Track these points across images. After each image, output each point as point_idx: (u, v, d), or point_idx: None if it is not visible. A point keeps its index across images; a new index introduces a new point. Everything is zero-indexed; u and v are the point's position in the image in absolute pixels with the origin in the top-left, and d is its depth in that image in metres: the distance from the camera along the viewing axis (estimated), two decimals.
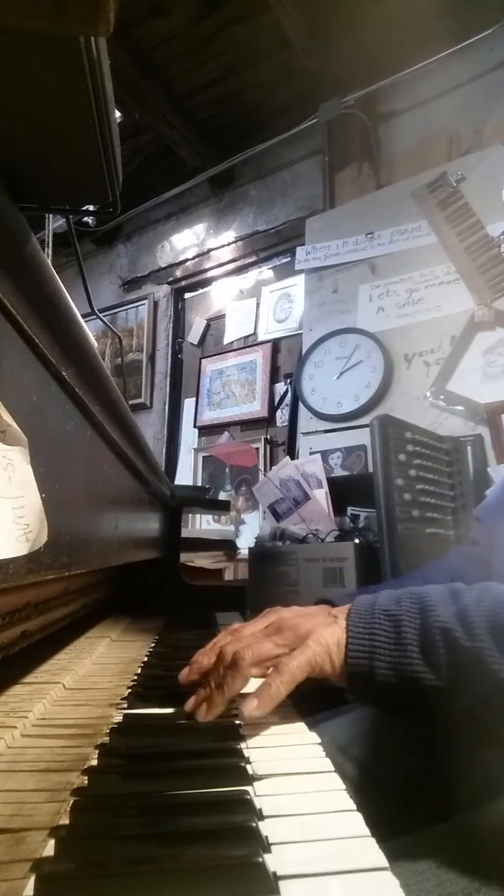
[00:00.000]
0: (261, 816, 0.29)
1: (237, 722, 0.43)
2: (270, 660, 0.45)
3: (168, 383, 3.10)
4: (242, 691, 0.44)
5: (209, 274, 3.04)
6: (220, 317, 2.96)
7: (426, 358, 1.95)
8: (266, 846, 0.26)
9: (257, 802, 0.31)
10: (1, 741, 0.39)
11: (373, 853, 0.26)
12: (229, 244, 2.93)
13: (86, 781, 0.33)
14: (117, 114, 1.30)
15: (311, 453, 2.08)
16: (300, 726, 0.43)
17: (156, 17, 2.17)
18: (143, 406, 3.09)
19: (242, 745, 0.39)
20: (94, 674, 0.61)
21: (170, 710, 0.47)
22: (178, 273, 3.15)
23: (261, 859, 0.25)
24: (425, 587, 0.47)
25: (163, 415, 3.08)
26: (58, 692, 0.52)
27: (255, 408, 2.68)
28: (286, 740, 0.40)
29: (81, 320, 0.43)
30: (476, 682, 0.40)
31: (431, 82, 2.22)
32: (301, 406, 2.22)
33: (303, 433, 2.20)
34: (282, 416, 2.56)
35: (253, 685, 0.44)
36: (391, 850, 0.26)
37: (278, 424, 2.58)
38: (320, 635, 0.44)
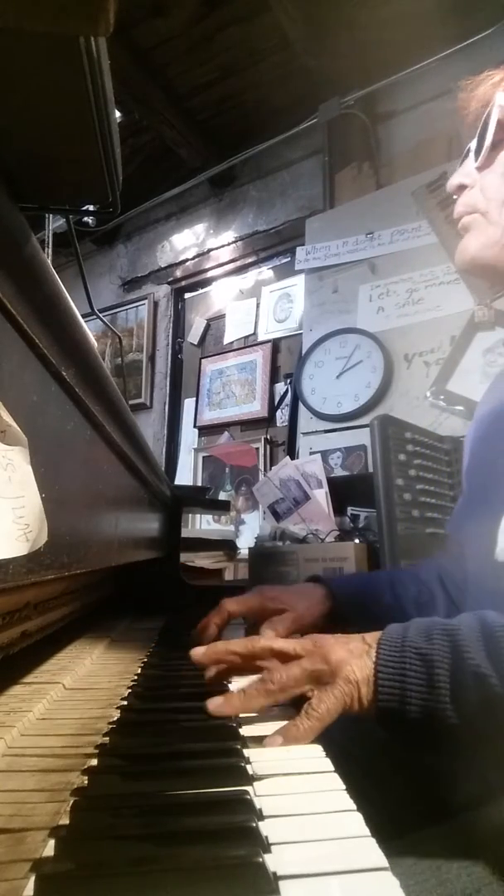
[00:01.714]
0: (261, 816, 0.29)
1: (237, 723, 0.43)
2: (296, 686, 0.44)
3: (168, 383, 3.10)
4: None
5: (209, 274, 3.04)
6: (220, 317, 2.96)
7: (426, 358, 1.95)
8: (266, 846, 0.26)
9: (257, 802, 0.31)
10: (1, 741, 0.39)
11: (373, 853, 0.26)
12: (229, 244, 2.93)
13: (86, 781, 0.33)
14: (117, 114, 1.30)
15: (311, 453, 2.08)
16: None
17: (156, 17, 2.17)
18: (143, 406, 3.09)
19: (242, 745, 0.39)
20: (94, 674, 0.61)
21: (170, 711, 0.47)
22: (178, 273, 3.15)
23: (261, 859, 0.25)
24: (457, 619, 0.45)
25: (163, 415, 3.08)
26: (58, 692, 0.52)
27: (255, 408, 2.68)
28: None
29: (81, 320, 0.43)
30: None
31: (431, 82, 2.22)
32: (301, 406, 2.22)
33: (303, 433, 2.20)
34: (282, 416, 2.56)
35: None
36: (391, 850, 0.26)
37: (278, 424, 2.58)
38: (350, 671, 0.43)
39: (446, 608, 0.72)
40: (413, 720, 0.41)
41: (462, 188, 0.65)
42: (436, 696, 0.40)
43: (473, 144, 0.65)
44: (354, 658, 0.43)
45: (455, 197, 0.67)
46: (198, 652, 0.50)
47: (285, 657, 0.46)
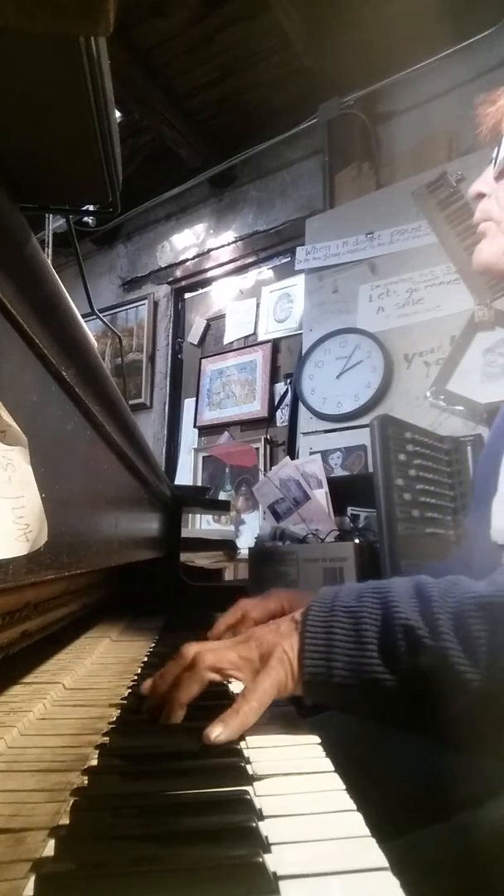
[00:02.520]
0: (261, 816, 0.29)
1: None
2: (231, 668, 0.43)
3: (168, 383, 3.10)
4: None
5: (209, 274, 3.04)
6: (220, 317, 2.97)
7: (426, 358, 1.95)
8: (266, 846, 0.26)
9: (257, 802, 0.31)
10: (1, 741, 0.39)
11: (373, 853, 0.26)
12: (229, 244, 2.93)
13: (86, 781, 0.33)
14: (117, 114, 1.29)
15: (311, 453, 2.08)
16: (300, 726, 0.43)
17: (156, 17, 2.17)
18: (143, 406, 3.09)
19: (242, 745, 0.39)
20: (94, 674, 0.61)
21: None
22: (178, 273, 3.15)
23: (261, 859, 0.25)
24: (389, 580, 0.45)
25: (163, 415, 3.08)
26: (58, 692, 0.52)
27: (255, 408, 2.68)
28: (286, 740, 0.40)
29: (81, 320, 0.43)
30: (439, 683, 0.38)
31: (431, 82, 2.22)
32: (301, 406, 2.22)
33: (303, 433, 2.20)
34: (282, 416, 2.56)
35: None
36: (391, 850, 0.26)
37: (278, 424, 2.58)
38: (282, 651, 0.42)
39: None
40: (342, 679, 0.40)
41: (481, 196, 0.69)
42: (362, 651, 0.40)
43: (496, 153, 0.68)
44: (285, 638, 0.43)
45: (474, 202, 0.71)
46: (150, 708, 0.46)
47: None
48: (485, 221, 0.68)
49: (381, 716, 0.42)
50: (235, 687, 0.48)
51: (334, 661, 0.40)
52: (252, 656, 0.43)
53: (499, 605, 0.38)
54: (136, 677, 0.58)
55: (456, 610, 0.39)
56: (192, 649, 0.46)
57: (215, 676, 0.44)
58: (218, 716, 0.40)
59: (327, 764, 0.36)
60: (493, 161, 0.68)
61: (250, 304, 2.83)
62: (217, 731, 0.38)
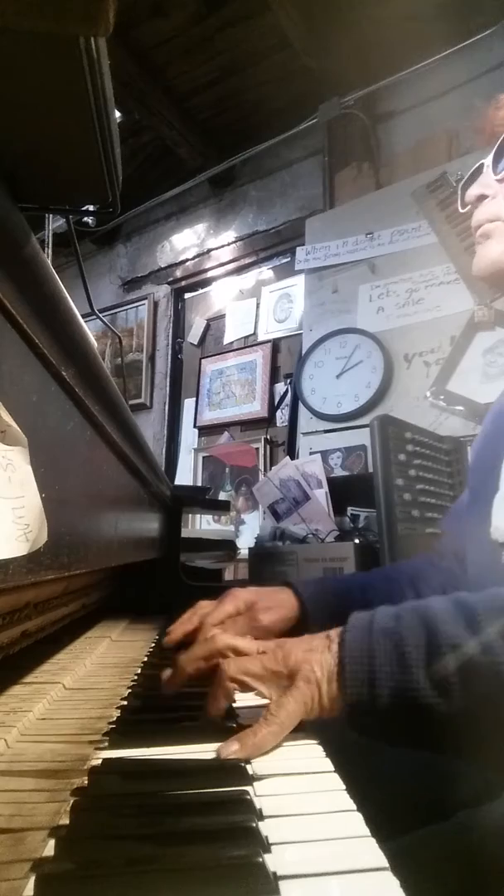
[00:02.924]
0: (261, 816, 0.29)
1: (236, 724, 0.43)
2: (254, 680, 0.42)
3: (168, 383, 3.10)
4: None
5: (209, 274, 3.05)
6: (220, 317, 2.97)
7: (426, 358, 1.95)
8: (266, 846, 0.26)
9: (257, 802, 0.31)
10: (1, 741, 0.39)
11: (373, 853, 0.26)
12: (229, 244, 2.93)
13: (86, 781, 0.33)
14: (117, 114, 1.30)
15: (311, 453, 2.08)
16: (300, 726, 0.43)
17: (156, 17, 2.17)
18: (143, 406, 3.09)
19: None
20: (94, 674, 0.61)
21: (170, 710, 0.47)
22: (178, 273, 3.15)
23: (261, 859, 0.25)
24: (426, 600, 0.43)
25: (163, 415, 3.08)
26: (58, 692, 0.52)
27: (255, 408, 2.68)
28: (286, 740, 0.40)
29: (81, 320, 0.43)
30: (492, 699, 0.35)
31: (431, 82, 2.22)
32: (301, 406, 2.23)
33: (303, 433, 2.20)
34: (282, 416, 2.56)
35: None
36: (391, 850, 0.26)
37: (278, 424, 2.58)
38: (309, 670, 0.40)
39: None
40: (385, 707, 0.37)
41: (482, 198, 0.69)
42: (407, 674, 0.37)
43: (489, 160, 0.69)
44: (315, 655, 0.41)
45: (467, 208, 0.71)
46: (168, 685, 0.47)
47: (245, 654, 0.45)
48: (490, 223, 0.67)
49: (428, 745, 0.39)
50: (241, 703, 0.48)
51: (378, 686, 0.38)
52: (278, 669, 0.41)
53: None
54: (136, 677, 0.58)
55: None
56: (220, 640, 0.45)
57: (237, 688, 0.42)
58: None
59: (327, 764, 0.36)
60: (493, 164, 0.68)
61: (250, 304, 2.83)
62: (231, 750, 0.37)
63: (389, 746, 0.40)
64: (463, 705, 0.36)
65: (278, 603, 0.64)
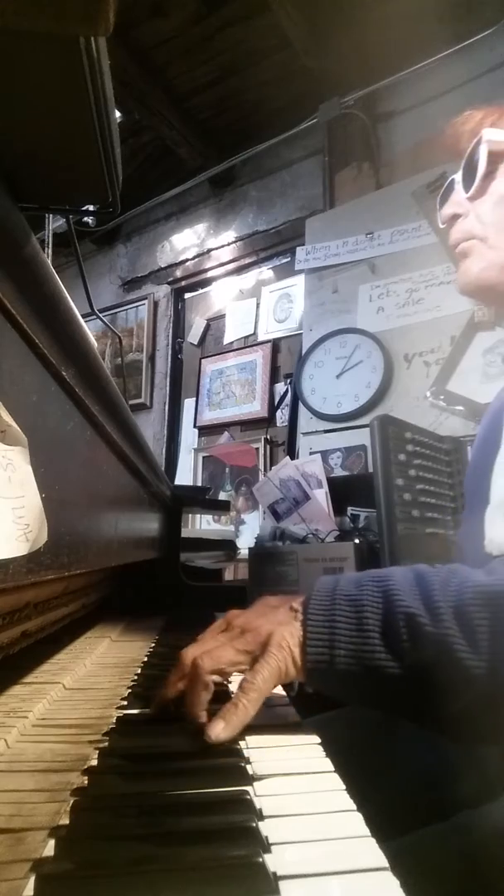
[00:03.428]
0: (261, 816, 0.29)
1: None
2: (232, 666, 0.43)
3: (168, 383, 3.10)
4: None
5: (209, 274, 3.04)
6: (220, 317, 2.96)
7: (426, 358, 1.95)
8: (266, 846, 0.26)
9: (257, 802, 0.31)
10: (1, 741, 0.39)
11: (373, 853, 0.26)
12: (229, 244, 2.93)
13: (86, 781, 0.33)
14: (117, 114, 1.30)
15: (311, 453, 2.08)
16: (300, 726, 0.43)
17: (156, 17, 2.17)
18: (143, 406, 3.09)
19: (242, 744, 0.39)
20: (94, 674, 0.61)
21: (170, 710, 0.47)
22: (178, 273, 3.15)
23: (261, 859, 0.25)
24: (388, 569, 0.45)
25: (163, 415, 3.08)
26: (58, 692, 0.52)
27: (255, 408, 2.68)
28: (286, 740, 0.40)
29: (81, 320, 0.43)
30: (440, 669, 0.38)
31: (431, 82, 2.22)
32: (301, 406, 2.22)
33: (303, 433, 2.20)
34: (282, 416, 2.56)
35: None
36: (391, 850, 0.26)
37: (278, 424, 2.58)
38: (281, 637, 0.42)
39: None
40: (344, 667, 0.40)
41: (455, 217, 0.70)
42: (365, 637, 0.40)
43: (459, 176, 0.71)
44: (284, 626, 0.43)
45: (444, 225, 0.73)
46: (159, 713, 0.46)
47: (209, 645, 0.45)
48: (466, 241, 0.68)
49: (384, 704, 0.42)
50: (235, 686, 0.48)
51: (337, 648, 0.40)
52: (250, 648, 0.43)
53: (499, 594, 0.39)
54: (136, 677, 0.58)
55: (457, 599, 0.39)
56: (188, 655, 0.45)
57: (217, 678, 0.43)
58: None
59: (327, 764, 0.36)
60: (463, 182, 0.70)
61: (250, 304, 2.83)
62: (218, 729, 0.38)
63: (346, 703, 0.43)
64: (414, 669, 0.39)
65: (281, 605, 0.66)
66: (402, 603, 0.40)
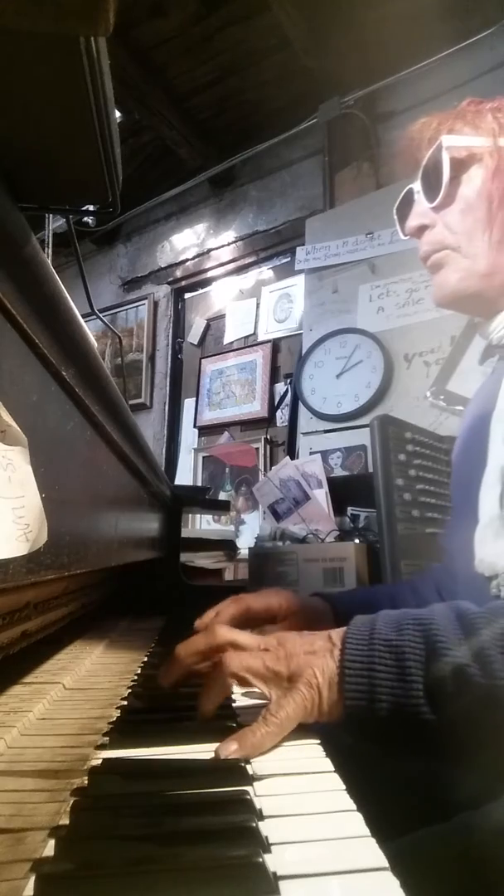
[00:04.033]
0: (261, 816, 0.29)
1: (236, 723, 0.43)
2: (254, 676, 0.42)
3: (168, 383, 3.10)
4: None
5: (209, 274, 3.05)
6: (220, 317, 2.97)
7: (426, 358, 1.95)
8: (266, 846, 0.26)
9: (257, 802, 0.31)
10: (1, 741, 0.39)
11: (373, 853, 0.26)
12: (229, 244, 2.93)
13: (86, 781, 0.33)
14: (117, 114, 1.30)
15: (311, 453, 2.08)
16: (300, 726, 0.43)
17: (156, 17, 2.17)
18: (143, 406, 3.09)
19: None
20: (94, 674, 0.61)
21: (170, 710, 0.47)
22: (178, 273, 3.15)
23: (261, 859, 0.25)
24: (428, 609, 0.43)
25: (163, 415, 3.08)
26: (58, 692, 0.52)
27: (255, 408, 2.68)
28: (286, 740, 0.40)
29: (81, 320, 0.43)
30: (490, 721, 0.36)
31: (431, 82, 2.21)
32: (301, 406, 2.22)
33: (303, 433, 2.20)
34: (282, 416, 2.56)
35: None
36: (391, 850, 0.26)
37: (278, 424, 2.58)
38: (311, 674, 0.40)
39: None
40: (383, 719, 0.38)
41: (423, 229, 0.69)
42: (408, 691, 0.38)
43: (418, 186, 0.69)
44: (317, 659, 0.41)
45: (408, 237, 0.71)
46: (166, 678, 0.47)
47: (245, 650, 0.44)
48: (437, 252, 0.66)
49: (421, 752, 0.40)
50: (239, 702, 0.48)
51: (377, 699, 0.38)
52: (280, 670, 0.41)
53: None
54: (136, 677, 0.58)
55: None
56: (222, 634, 0.45)
57: (236, 682, 0.42)
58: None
59: (327, 764, 0.36)
60: (425, 192, 0.68)
61: (250, 304, 2.83)
62: (230, 750, 0.37)
63: (384, 754, 0.41)
64: (459, 720, 0.37)
65: (314, 606, 0.66)
66: (447, 652, 0.38)
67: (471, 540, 0.56)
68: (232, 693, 0.48)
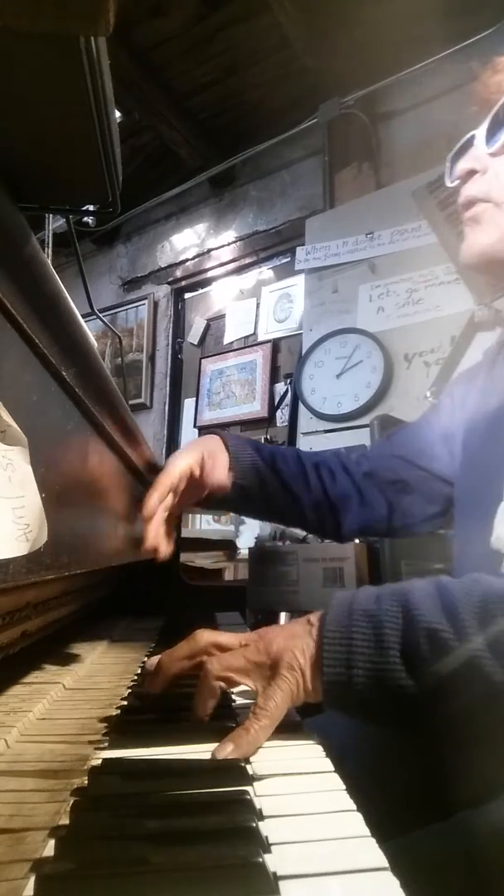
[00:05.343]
0: (261, 816, 0.29)
1: (236, 723, 0.43)
2: (239, 674, 0.42)
3: (168, 383, 3.10)
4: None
5: (209, 274, 3.04)
6: (220, 317, 2.96)
7: (426, 358, 1.95)
8: (266, 846, 0.26)
9: (257, 802, 0.31)
10: (1, 741, 0.39)
11: (373, 853, 0.26)
12: (229, 244, 2.93)
13: (86, 781, 0.33)
14: (117, 114, 1.30)
15: None
16: (300, 726, 0.43)
17: (156, 17, 2.17)
18: (143, 406, 3.09)
19: None
20: (94, 674, 0.61)
21: (170, 710, 0.47)
22: (178, 273, 3.15)
23: (261, 859, 0.25)
24: (408, 582, 0.43)
25: (163, 415, 3.08)
26: (58, 692, 0.52)
27: (255, 408, 2.68)
28: (286, 740, 0.40)
29: (81, 320, 0.43)
30: (465, 687, 0.37)
31: (431, 82, 2.21)
32: (301, 406, 2.22)
33: (303, 433, 2.20)
34: (282, 416, 2.56)
35: None
36: (391, 850, 0.26)
37: (278, 424, 2.58)
38: (291, 657, 0.41)
39: (346, 486, 0.80)
40: (362, 688, 0.38)
41: (472, 174, 0.63)
42: (385, 657, 0.38)
43: (482, 131, 0.63)
44: (297, 641, 0.41)
45: (455, 183, 0.66)
46: (152, 686, 0.47)
47: (228, 650, 0.45)
48: (480, 203, 0.62)
49: (405, 724, 0.41)
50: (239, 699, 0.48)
51: (355, 667, 0.39)
52: (262, 660, 0.42)
53: None
54: (136, 677, 0.58)
55: (481, 609, 0.38)
56: (203, 638, 0.45)
57: (224, 685, 0.43)
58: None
59: (327, 764, 0.36)
60: (486, 136, 0.62)
61: (250, 304, 2.83)
62: (226, 752, 0.37)
63: (365, 724, 0.42)
64: (437, 688, 0.37)
65: (221, 463, 0.75)
66: (422, 618, 0.38)
67: (486, 518, 0.57)
68: (231, 691, 0.49)
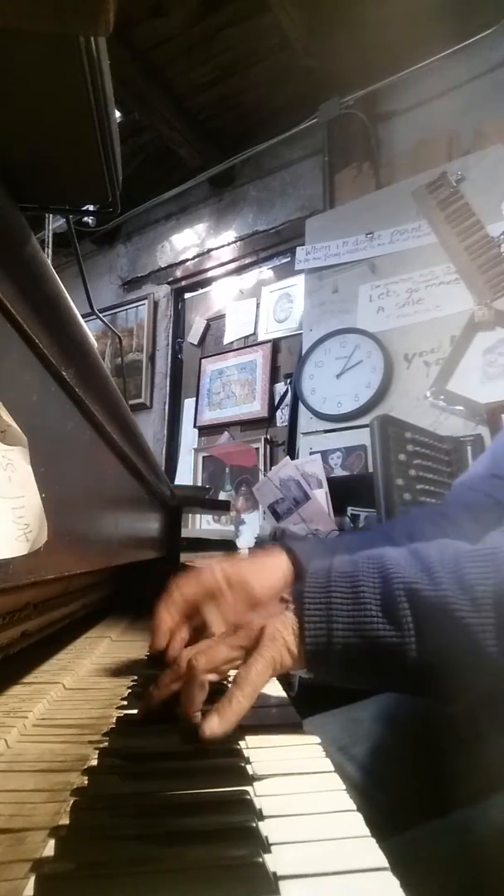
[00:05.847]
0: (261, 816, 0.29)
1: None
2: (226, 663, 0.42)
3: (168, 383, 3.10)
4: None
5: (209, 274, 3.05)
6: (220, 317, 2.97)
7: (426, 358, 1.95)
8: (266, 846, 0.26)
9: (257, 802, 0.31)
10: (1, 741, 0.39)
11: (373, 853, 0.26)
12: (229, 244, 2.93)
13: (86, 781, 0.33)
14: (117, 114, 1.29)
15: (311, 453, 2.08)
16: (300, 726, 0.43)
17: (155, 17, 2.17)
18: (143, 406, 3.09)
19: (242, 745, 0.39)
20: (94, 674, 0.61)
21: (170, 710, 0.47)
22: (178, 273, 3.15)
23: (261, 859, 0.25)
24: (382, 549, 0.45)
25: (163, 415, 3.08)
26: (58, 692, 0.52)
27: (255, 408, 2.68)
28: (286, 740, 0.40)
29: (81, 320, 0.43)
30: (441, 632, 0.37)
31: (431, 82, 2.22)
32: (301, 406, 2.22)
33: (303, 433, 2.20)
34: (282, 416, 2.56)
35: None
36: (391, 850, 0.26)
37: (278, 424, 2.58)
38: (273, 629, 0.41)
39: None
40: (344, 643, 0.39)
41: None
42: (362, 610, 0.39)
43: None
44: (276, 616, 0.42)
45: None
46: (146, 717, 0.45)
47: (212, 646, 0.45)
48: None
49: (387, 682, 0.42)
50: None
51: (335, 623, 0.40)
52: (244, 643, 0.42)
53: (496, 554, 0.39)
54: (136, 677, 0.58)
55: (454, 563, 0.39)
56: (183, 656, 0.44)
57: (214, 677, 0.43)
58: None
59: (327, 764, 0.36)
60: None
61: (250, 304, 2.83)
62: (213, 724, 0.37)
63: (349, 687, 0.42)
64: (416, 641, 0.38)
65: (271, 567, 0.60)
66: (398, 574, 0.40)
67: None
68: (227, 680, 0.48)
